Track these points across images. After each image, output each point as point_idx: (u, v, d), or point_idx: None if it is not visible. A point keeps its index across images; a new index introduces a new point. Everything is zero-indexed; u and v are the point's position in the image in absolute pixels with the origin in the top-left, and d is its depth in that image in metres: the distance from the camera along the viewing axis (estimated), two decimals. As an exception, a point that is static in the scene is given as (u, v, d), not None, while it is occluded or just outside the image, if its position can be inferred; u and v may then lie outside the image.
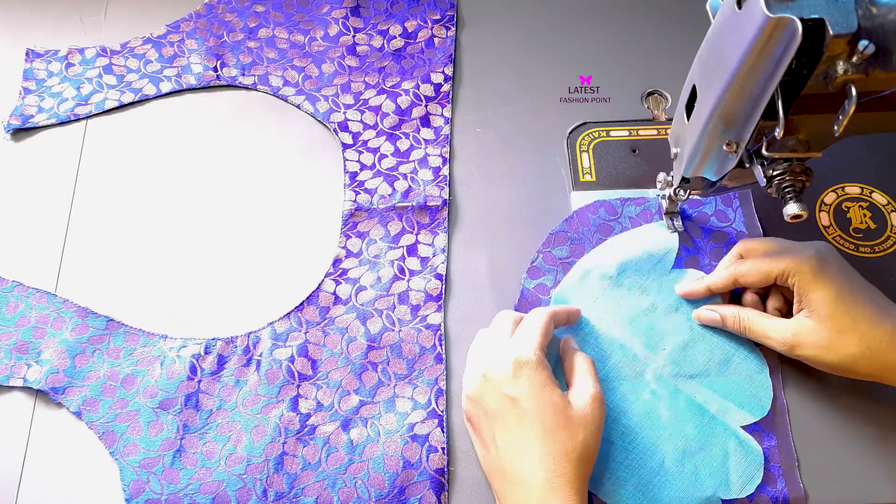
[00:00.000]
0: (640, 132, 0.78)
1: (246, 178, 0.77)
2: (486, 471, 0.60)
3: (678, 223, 0.72)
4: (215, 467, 0.63)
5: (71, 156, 0.78)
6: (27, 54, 0.83)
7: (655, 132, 0.78)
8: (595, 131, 0.79)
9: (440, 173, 0.76)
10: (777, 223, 0.73)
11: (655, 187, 0.71)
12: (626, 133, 0.78)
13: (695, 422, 0.64)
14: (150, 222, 0.75)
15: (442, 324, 0.68)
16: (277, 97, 0.82)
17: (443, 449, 0.63)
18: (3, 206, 0.76)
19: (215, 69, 0.83)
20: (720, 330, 0.67)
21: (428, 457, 0.62)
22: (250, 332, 0.68)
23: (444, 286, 0.70)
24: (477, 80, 0.83)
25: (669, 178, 0.68)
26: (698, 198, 0.73)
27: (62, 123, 0.80)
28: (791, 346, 0.62)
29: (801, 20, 0.45)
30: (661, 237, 0.72)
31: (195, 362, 0.67)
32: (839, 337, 0.60)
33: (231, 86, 0.83)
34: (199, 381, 0.66)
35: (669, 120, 0.79)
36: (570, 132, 0.79)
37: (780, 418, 0.65)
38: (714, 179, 0.62)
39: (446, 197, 0.74)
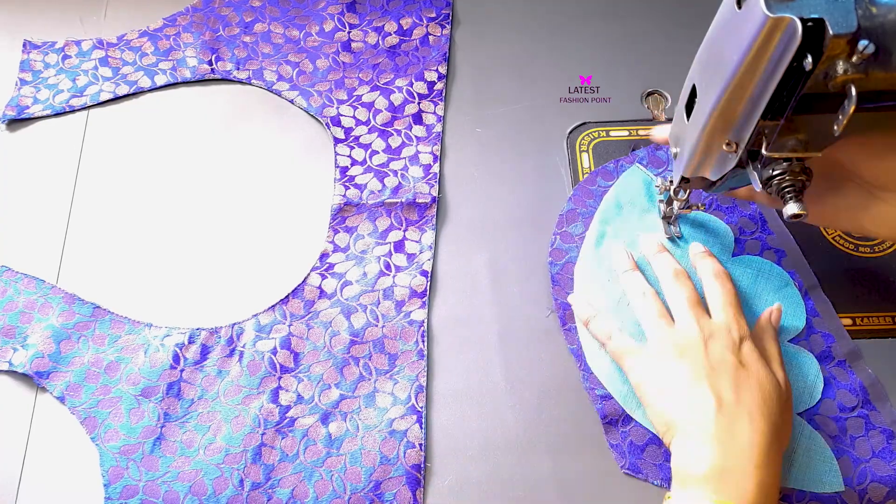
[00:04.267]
0: (640, 132, 0.79)
1: (237, 172, 0.78)
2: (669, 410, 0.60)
3: (675, 229, 0.71)
4: (194, 456, 0.63)
5: (72, 147, 0.79)
6: (24, 45, 0.84)
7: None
8: (595, 131, 0.79)
9: (430, 170, 0.76)
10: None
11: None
12: (626, 133, 0.78)
13: None
14: (141, 212, 0.76)
15: (425, 320, 0.69)
16: (271, 92, 0.82)
17: (420, 445, 0.63)
18: (4, 196, 0.77)
19: (210, 63, 0.83)
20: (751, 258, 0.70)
21: (405, 452, 0.63)
22: (235, 323, 0.69)
23: (429, 283, 0.71)
24: (477, 79, 0.83)
25: (668, 182, 0.68)
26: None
27: (57, 115, 0.81)
28: None
29: (801, 20, 0.45)
30: (646, 186, 0.74)
31: (179, 351, 0.67)
32: None
33: (226, 80, 0.83)
34: (182, 371, 0.66)
35: (669, 120, 0.78)
36: (570, 132, 0.79)
37: (828, 316, 0.68)
38: (714, 179, 0.61)
39: (435, 194, 0.74)
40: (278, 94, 0.82)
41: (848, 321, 0.69)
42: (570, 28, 0.86)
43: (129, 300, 0.71)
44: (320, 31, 0.85)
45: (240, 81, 0.83)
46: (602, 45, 0.85)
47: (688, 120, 0.59)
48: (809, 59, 0.47)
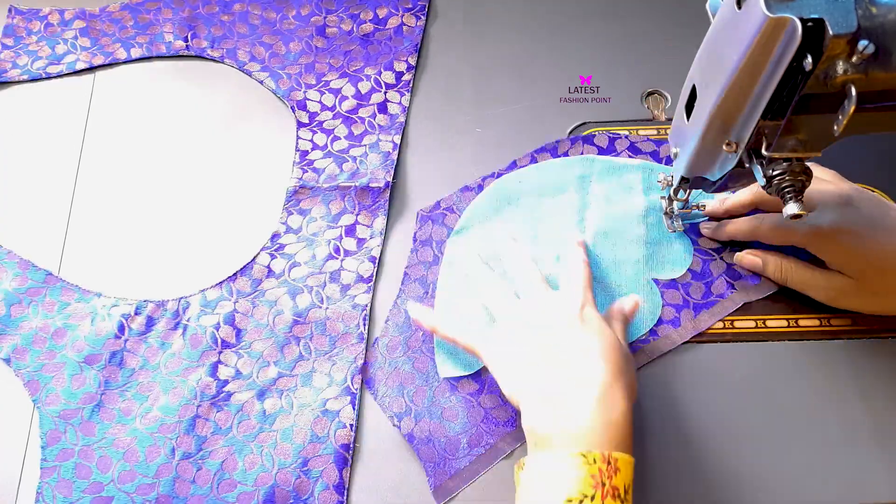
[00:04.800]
0: (640, 132, 0.79)
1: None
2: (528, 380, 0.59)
3: (678, 224, 0.72)
4: (130, 424, 0.64)
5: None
6: (10, 11, 0.86)
7: (655, 132, 0.79)
8: (595, 131, 0.79)
9: (389, 157, 0.77)
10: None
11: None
12: (626, 133, 0.79)
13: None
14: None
15: (368, 305, 0.70)
16: (242, 72, 0.83)
17: (351, 426, 0.64)
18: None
19: (186, 39, 0.84)
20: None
21: (336, 432, 0.64)
22: (182, 297, 0.70)
23: (376, 269, 0.72)
24: (477, 79, 0.83)
25: (669, 178, 0.69)
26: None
27: (33, 80, 0.82)
28: (832, 301, 0.67)
29: (801, 20, 0.45)
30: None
31: (124, 322, 0.68)
32: (875, 296, 0.65)
33: (199, 57, 0.84)
34: (126, 340, 0.68)
35: (669, 120, 0.78)
36: (570, 132, 0.79)
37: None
38: (714, 179, 0.62)
39: (390, 179, 0.75)
40: (249, 74, 0.83)
41: (848, 321, 0.69)
42: (570, 28, 0.85)
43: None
44: (297, 15, 0.86)
45: (213, 59, 0.84)
46: (602, 45, 0.84)
47: (688, 120, 0.60)
48: (809, 59, 0.47)
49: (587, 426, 0.54)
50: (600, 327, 0.60)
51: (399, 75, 0.82)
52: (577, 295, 0.63)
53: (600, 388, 0.55)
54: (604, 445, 0.53)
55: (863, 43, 0.45)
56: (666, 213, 0.72)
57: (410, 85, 0.82)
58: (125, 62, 0.84)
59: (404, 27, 0.85)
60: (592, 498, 0.50)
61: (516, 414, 0.62)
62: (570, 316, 0.61)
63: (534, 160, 0.76)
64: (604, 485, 0.51)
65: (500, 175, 0.76)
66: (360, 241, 0.73)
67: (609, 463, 0.51)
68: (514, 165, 0.76)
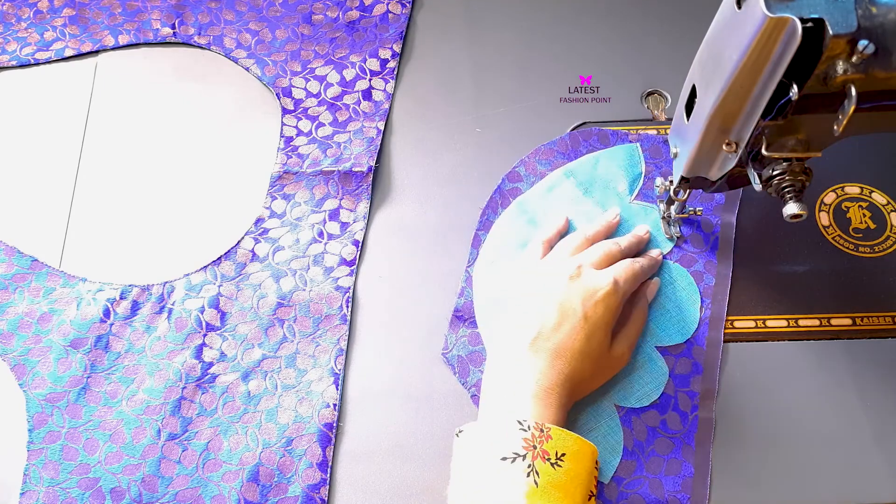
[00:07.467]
0: (640, 132, 0.78)
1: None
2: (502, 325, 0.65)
3: (675, 230, 0.72)
4: (116, 406, 0.65)
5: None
6: (0, -3, 0.86)
7: (655, 132, 0.78)
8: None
9: (373, 143, 0.77)
10: (777, 222, 0.71)
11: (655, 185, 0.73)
12: (626, 133, 0.78)
13: None
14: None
15: (352, 287, 0.71)
16: (229, 59, 0.84)
17: (335, 405, 0.65)
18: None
19: (173, 26, 0.85)
20: (666, 262, 0.71)
21: (319, 411, 0.65)
22: (166, 282, 0.71)
23: (358, 252, 0.72)
24: (477, 79, 0.83)
25: (668, 182, 0.69)
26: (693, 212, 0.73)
27: (22, 66, 0.83)
28: None
29: (801, 20, 0.45)
30: (632, 160, 0.75)
31: (109, 306, 0.69)
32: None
33: (186, 44, 0.85)
34: (112, 325, 0.68)
35: (669, 120, 0.78)
36: (570, 132, 0.79)
37: (713, 352, 0.67)
38: (714, 179, 0.62)
39: (373, 164, 0.76)
40: (235, 60, 0.83)
41: (848, 321, 0.69)
42: (570, 28, 0.85)
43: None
44: (284, 2, 0.87)
45: (199, 46, 0.85)
46: (602, 45, 0.84)
47: (688, 120, 0.60)
48: (795, 88, 0.48)
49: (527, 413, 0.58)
50: (594, 333, 0.62)
51: (384, 62, 0.83)
52: (604, 279, 0.64)
53: (539, 386, 0.59)
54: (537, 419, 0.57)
55: (863, 43, 0.46)
56: (664, 219, 0.72)
57: (395, 72, 0.82)
58: (112, 49, 0.84)
59: (390, 15, 0.85)
60: (524, 458, 0.54)
61: None
62: (576, 302, 0.62)
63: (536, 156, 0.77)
64: (535, 447, 0.54)
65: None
66: (344, 225, 0.73)
67: (542, 431, 0.55)
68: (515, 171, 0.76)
